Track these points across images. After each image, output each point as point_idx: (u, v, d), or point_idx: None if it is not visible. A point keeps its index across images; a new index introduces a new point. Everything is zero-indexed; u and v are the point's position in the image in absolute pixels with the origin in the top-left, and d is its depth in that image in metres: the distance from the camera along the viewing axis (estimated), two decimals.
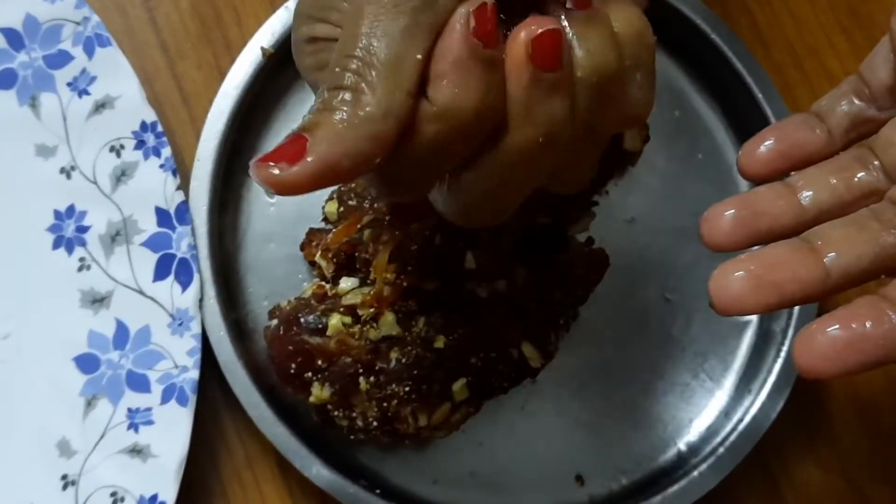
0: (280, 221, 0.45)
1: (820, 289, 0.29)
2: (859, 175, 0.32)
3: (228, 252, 0.44)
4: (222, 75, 0.44)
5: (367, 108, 0.25)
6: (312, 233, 0.43)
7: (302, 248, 0.43)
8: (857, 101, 0.34)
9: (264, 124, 0.45)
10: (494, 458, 0.43)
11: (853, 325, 0.27)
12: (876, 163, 0.32)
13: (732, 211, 0.32)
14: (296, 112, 0.46)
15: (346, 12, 0.28)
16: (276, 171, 0.25)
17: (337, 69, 0.26)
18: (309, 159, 0.25)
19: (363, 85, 0.26)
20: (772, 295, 0.29)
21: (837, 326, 0.27)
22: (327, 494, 0.40)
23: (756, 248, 0.31)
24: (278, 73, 0.45)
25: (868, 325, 0.27)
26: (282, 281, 0.44)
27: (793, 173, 0.33)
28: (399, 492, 0.42)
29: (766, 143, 0.34)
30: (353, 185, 0.42)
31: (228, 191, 0.44)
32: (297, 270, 0.44)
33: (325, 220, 0.43)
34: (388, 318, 0.39)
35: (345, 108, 0.26)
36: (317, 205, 0.44)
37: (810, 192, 0.32)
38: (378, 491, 0.40)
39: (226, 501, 0.42)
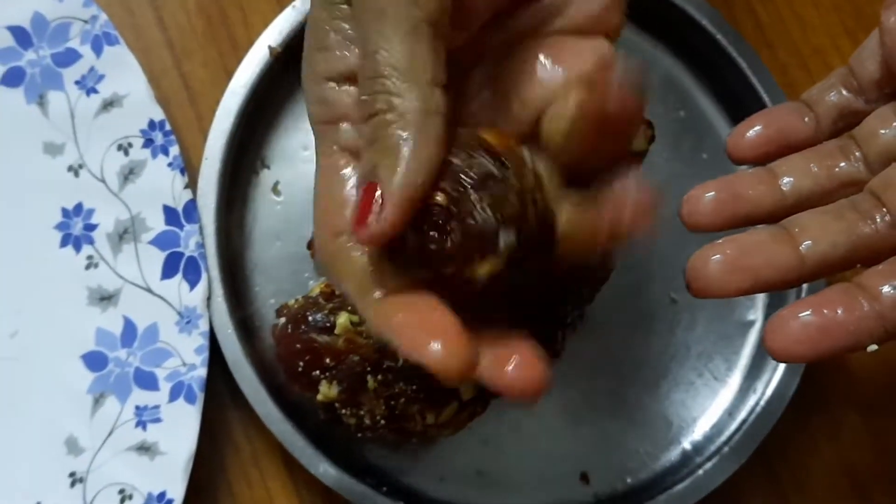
0: (287, 220, 0.45)
1: (795, 275, 0.30)
2: (841, 164, 0.32)
3: (235, 251, 0.44)
4: (229, 74, 0.44)
5: (408, 116, 0.25)
6: None
7: (309, 246, 0.43)
8: (845, 92, 0.34)
9: (271, 123, 0.46)
10: (500, 456, 0.43)
11: (825, 311, 0.28)
12: (858, 153, 0.32)
13: (713, 193, 0.32)
14: (302, 111, 0.46)
15: (353, 36, 0.28)
16: (370, 228, 0.25)
17: (364, 97, 0.26)
18: (389, 200, 0.25)
19: (394, 100, 0.25)
20: (746, 279, 0.29)
21: (810, 312, 0.28)
22: (334, 492, 0.40)
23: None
24: (285, 71, 0.45)
25: (840, 311, 0.28)
26: (288, 279, 0.44)
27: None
28: (405, 490, 0.42)
29: (755, 128, 0.35)
30: None
31: (235, 189, 0.44)
32: (304, 269, 0.44)
33: None
34: None
35: (391, 132, 0.25)
36: None
37: (791, 179, 0.32)
38: (384, 489, 0.41)
39: (232, 499, 0.42)
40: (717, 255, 0.29)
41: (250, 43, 0.44)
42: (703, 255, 0.30)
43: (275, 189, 0.45)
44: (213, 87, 0.46)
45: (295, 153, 0.46)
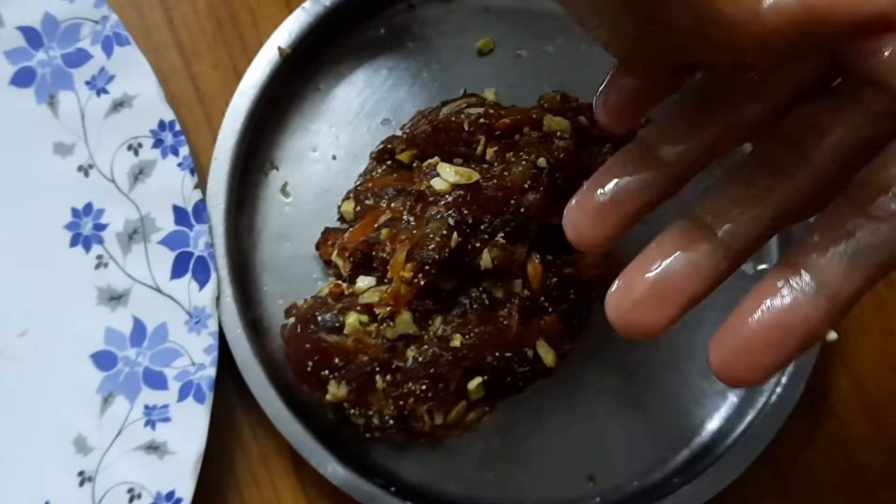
0: (295, 221, 0.45)
1: (725, 269, 0.27)
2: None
3: (244, 251, 0.44)
4: (238, 75, 0.45)
5: None
6: (328, 232, 0.43)
7: (317, 247, 0.44)
8: None
9: (280, 124, 0.46)
10: (507, 456, 0.44)
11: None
12: None
13: (589, 200, 0.29)
14: (311, 112, 0.46)
15: None
16: None
17: None
18: None
19: None
20: (677, 304, 0.27)
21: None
22: (341, 492, 0.41)
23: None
24: (294, 73, 0.45)
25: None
26: (296, 280, 0.44)
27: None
28: (413, 490, 0.42)
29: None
30: (369, 184, 0.43)
31: (244, 190, 0.44)
32: (312, 270, 0.44)
33: (341, 219, 0.44)
34: (405, 316, 0.39)
35: None
36: (332, 204, 0.44)
37: (670, 146, 0.28)
38: (393, 489, 0.41)
39: (241, 499, 0.43)
40: (635, 293, 0.26)
41: (260, 44, 0.45)
42: (621, 296, 0.27)
43: (283, 190, 0.45)
44: (222, 88, 0.46)
45: (303, 154, 0.46)
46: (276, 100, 0.45)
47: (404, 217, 0.40)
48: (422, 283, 0.39)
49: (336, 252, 0.41)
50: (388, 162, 0.44)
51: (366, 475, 0.41)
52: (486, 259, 0.39)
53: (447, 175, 0.40)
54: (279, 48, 0.44)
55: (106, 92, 0.43)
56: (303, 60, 0.46)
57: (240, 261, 0.44)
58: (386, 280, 0.40)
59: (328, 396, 0.39)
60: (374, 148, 0.44)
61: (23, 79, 0.43)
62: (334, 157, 0.46)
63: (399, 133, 0.44)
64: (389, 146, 0.43)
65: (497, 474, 0.43)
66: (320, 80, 0.46)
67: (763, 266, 0.45)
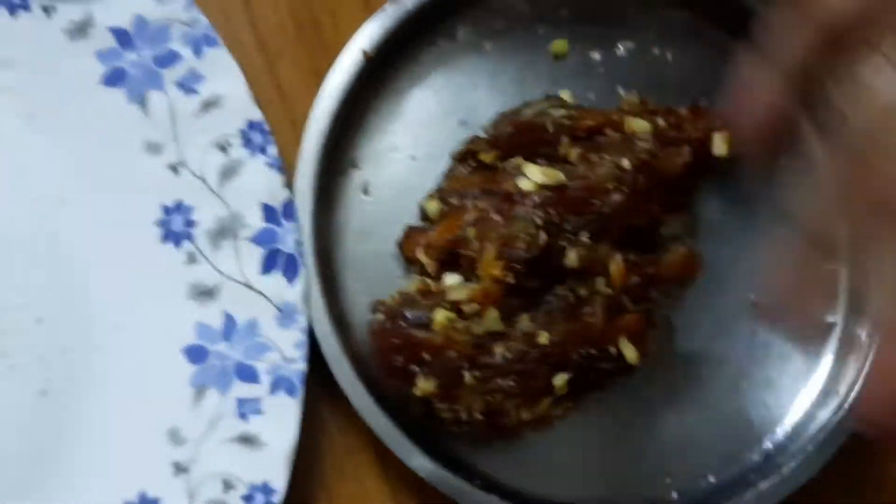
0: (376, 219, 0.46)
1: None
2: None
3: (327, 249, 0.45)
4: (319, 77, 0.45)
5: None
6: (412, 230, 0.44)
7: (400, 244, 0.44)
8: None
9: (361, 125, 0.46)
10: (585, 453, 0.44)
11: None
12: None
13: None
14: (390, 113, 0.47)
15: None
16: None
17: None
18: None
19: None
20: None
21: None
22: (425, 485, 0.41)
23: None
24: (375, 75, 0.46)
25: None
26: (377, 278, 0.45)
27: None
28: (496, 484, 0.43)
29: None
30: (455, 184, 0.44)
31: (328, 189, 0.45)
32: (393, 267, 0.45)
33: (423, 217, 0.45)
34: (492, 313, 0.40)
35: None
36: (412, 203, 0.45)
37: None
38: (478, 482, 0.41)
39: (326, 490, 0.43)
40: None
41: (339, 46, 0.45)
42: None
43: (365, 189, 0.46)
44: (303, 90, 0.47)
45: (383, 154, 0.46)
46: (357, 101, 0.46)
47: (491, 216, 0.41)
48: (511, 280, 0.39)
49: (423, 250, 0.42)
50: (471, 162, 0.44)
51: (451, 469, 0.41)
52: (571, 258, 0.40)
53: (534, 175, 0.41)
54: (363, 51, 0.45)
55: (195, 92, 0.44)
56: (382, 62, 0.47)
57: (324, 258, 0.44)
58: (473, 278, 0.41)
59: (417, 391, 0.40)
60: (452, 148, 0.45)
61: (114, 78, 0.44)
62: (413, 157, 0.46)
63: (478, 134, 0.45)
64: (472, 147, 0.44)
65: (575, 470, 0.44)
66: (399, 81, 0.47)
67: None
